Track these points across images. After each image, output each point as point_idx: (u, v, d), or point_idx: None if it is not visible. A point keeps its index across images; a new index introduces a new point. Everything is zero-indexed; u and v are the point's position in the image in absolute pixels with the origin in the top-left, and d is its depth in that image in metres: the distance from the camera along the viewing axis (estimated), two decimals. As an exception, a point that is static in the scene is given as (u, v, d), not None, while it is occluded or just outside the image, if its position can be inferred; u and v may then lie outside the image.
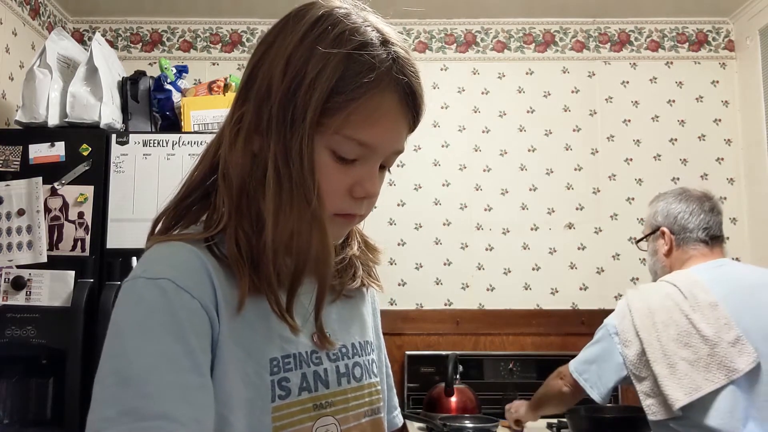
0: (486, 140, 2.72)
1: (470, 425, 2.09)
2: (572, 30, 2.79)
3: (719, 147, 2.69)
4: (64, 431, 1.70)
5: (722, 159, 2.69)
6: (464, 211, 2.68)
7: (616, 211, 2.67)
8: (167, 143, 1.89)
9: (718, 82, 2.73)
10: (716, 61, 2.75)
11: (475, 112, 2.74)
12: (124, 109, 2.03)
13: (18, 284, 1.77)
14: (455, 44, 2.78)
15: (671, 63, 2.75)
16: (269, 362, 0.66)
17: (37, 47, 2.40)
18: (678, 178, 2.66)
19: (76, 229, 1.82)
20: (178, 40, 2.77)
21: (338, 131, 0.64)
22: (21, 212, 1.82)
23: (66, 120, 1.92)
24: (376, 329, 0.85)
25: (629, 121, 2.72)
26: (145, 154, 1.88)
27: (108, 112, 1.93)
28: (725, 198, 2.62)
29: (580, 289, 2.63)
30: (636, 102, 2.73)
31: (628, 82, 2.75)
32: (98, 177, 1.85)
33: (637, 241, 1.87)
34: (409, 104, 0.67)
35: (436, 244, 2.66)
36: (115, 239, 1.83)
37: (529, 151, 2.71)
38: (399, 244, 2.65)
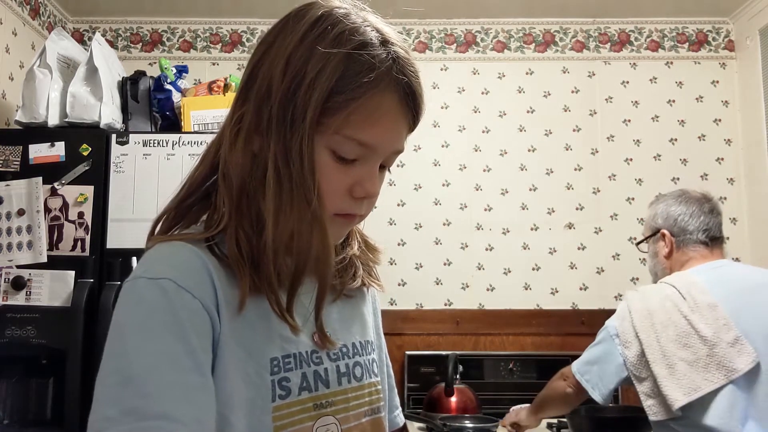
0: (486, 140, 2.72)
1: (470, 425, 2.09)
2: (572, 30, 2.79)
3: (719, 147, 2.69)
4: (64, 431, 1.70)
5: (722, 159, 2.69)
6: (464, 211, 2.68)
7: (616, 211, 2.67)
8: (167, 143, 1.89)
9: (718, 82, 2.73)
10: (716, 61, 2.75)
11: (475, 112, 2.74)
12: (124, 109, 2.03)
13: (18, 284, 1.77)
14: (455, 44, 2.78)
15: (671, 63, 2.75)
16: (270, 362, 0.66)
17: (37, 47, 2.40)
18: (678, 178, 2.66)
19: (76, 229, 1.82)
20: (178, 40, 2.77)
21: (338, 131, 0.64)
22: (21, 212, 1.82)
23: (66, 120, 1.92)
24: (377, 329, 0.85)
25: (629, 121, 2.72)
26: (145, 154, 1.88)
27: (108, 112, 1.93)
28: (725, 198, 2.62)
29: (580, 289, 2.63)
30: (636, 102, 2.73)
31: (628, 82, 2.75)
32: (98, 177, 1.85)
33: (638, 243, 1.87)
34: (409, 104, 0.67)
35: (436, 244, 2.66)
36: (115, 239, 1.83)
37: (529, 151, 2.71)
38: (399, 244, 2.65)
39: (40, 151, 1.85)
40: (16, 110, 1.94)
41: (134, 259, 1.79)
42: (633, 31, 2.78)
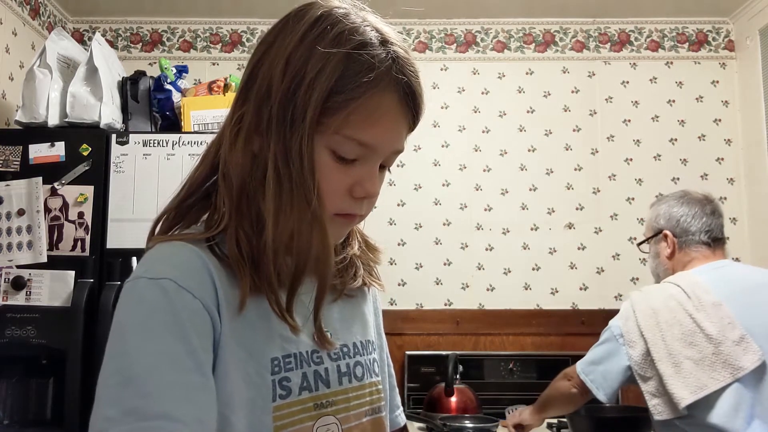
0: (486, 140, 2.72)
1: (470, 425, 2.09)
2: (572, 30, 2.79)
3: (719, 147, 2.69)
4: (64, 431, 1.70)
5: (722, 159, 2.69)
6: (464, 211, 2.68)
7: (616, 211, 2.67)
8: (167, 143, 1.89)
9: (718, 82, 2.73)
10: (716, 61, 2.75)
11: (475, 112, 2.74)
12: (124, 109, 2.03)
13: (18, 284, 1.77)
14: (455, 44, 2.78)
15: (671, 63, 2.75)
16: (270, 362, 0.66)
17: (37, 47, 2.40)
18: (678, 178, 2.66)
19: (76, 229, 1.82)
20: (178, 40, 2.77)
21: (338, 131, 0.64)
22: (21, 212, 1.82)
23: (66, 120, 1.92)
24: (378, 328, 0.85)
25: (629, 121, 2.72)
26: (145, 154, 1.88)
27: (108, 112, 1.93)
28: (725, 198, 2.62)
29: (580, 289, 2.63)
30: (636, 102, 2.73)
31: (628, 82, 2.75)
32: (98, 177, 1.85)
33: (639, 244, 1.88)
34: (409, 104, 0.67)
35: (436, 244, 2.66)
36: (115, 239, 1.83)
37: (529, 151, 2.71)
38: (399, 244, 2.65)
39: (40, 151, 1.85)
40: (16, 110, 1.93)
41: (134, 259, 1.79)
42: (633, 31, 2.78)
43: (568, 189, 2.69)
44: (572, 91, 2.74)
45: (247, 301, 0.65)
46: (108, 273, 1.80)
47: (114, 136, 1.89)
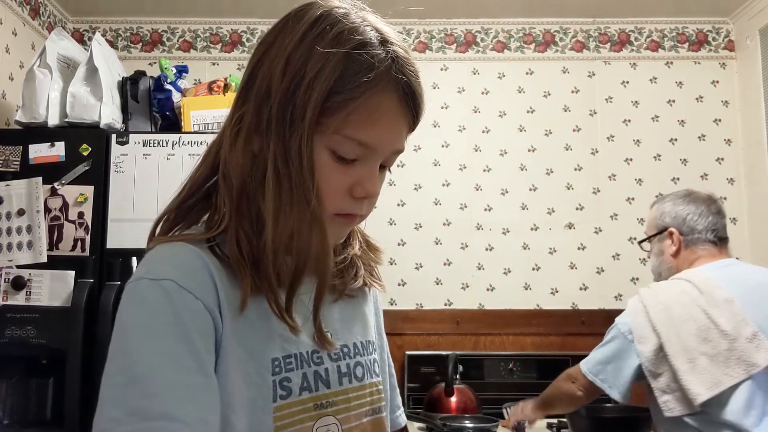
0: (486, 140, 2.72)
1: (470, 425, 2.09)
2: (572, 30, 2.79)
3: (719, 147, 2.69)
4: (64, 431, 1.70)
5: (722, 159, 2.69)
6: (464, 211, 2.68)
7: (616, 211, 2.67)
8: (167, 143, 1.89)
9: (718, 82, 2.73)
10: (716, 61, 2.75)
11: (475, 112, 2.74)
12: (124, 109, 2.03)
13: (18, 284, 1.77)
14: (455, 44, 2.78)
15: (671, 63, 2.75)
16: (271, 362, 0.66)
17: (37, 47, 2.40)
18: (678, 178, 2.66)
19: (76, 229, 1.82)
20: (178, 40, 2.77)
21: (338, 131, 0.64)
22: (21, 212, 1.82)
23: (66, 120, 1.92)
24: (378, 329, 0.85)
25: (629, 121, 2.72)
26: (145, 154, 1.88)
27: (108, 112, 1.93)
28: (725, 198, 2.62)
29: (580, 289, 2.63)
30: (636, 102, 2.73)
31: (628, 82, 2.75)
32: (98, 177, 1.85)
33: (641, 242, 1.87)
34: (409, 104, 0.67)
35: (436, 244, 2.66)
36: (115, 239, 1.83)
37: (529, 151, 2.71)
38: (399, 244, 2.65)
39: (40, 151, 1.85)
40: (16, 110, 1.93)
41: (134, 259, 1.79)
42: (633, 31, 2.78)
43: (568, 189, 2.69)
44: (572, 91, 2.74)
45: (248, 301, 0.65)
46: (108, 273, 1.80)
47: (114, 136, 1.89)
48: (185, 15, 2.74)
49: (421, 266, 2.65)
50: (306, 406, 0.68)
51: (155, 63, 2.67)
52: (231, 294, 0.65)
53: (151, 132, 2.02)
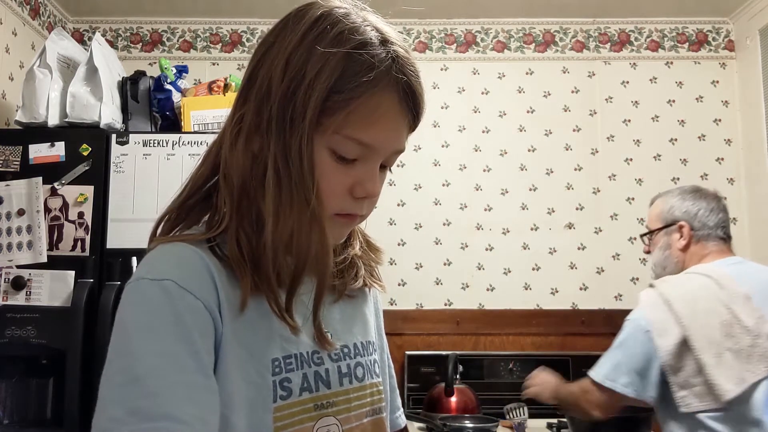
0: (486, 140, 2.72)
1: (470, 425, 2.09)
2: (572, 30, 2.79)
3: (719, 147, 2.69)
4: (64, 431, 1.70)
5: (722, 159, 2.69)
6: (464, 211, 2.68)
7: (616, 211, 2.67)
8: (167, 143, 1.89)
9: (718, 82, 2.73)
10: (716, 61, 2.75)
11: (475, 112, 2.74)
12: (124, 109, 2.03)
13: (18, 284, 1.77)
14: (455, 44, 2.78)
15: (671, 63, 2.75)
16: (271, 362, 0.66)
17: (37, 47, 2.40)
18: (678, 178, 2.66)
19: (76, 229, 1.82)
20: (178, 40, 2.77)
21: (338, 131, 0.64)
22: (21, 212, 1.82)
23: (66, 120, 1.92)
24: (378, 329, 0.85)
25: (629, 121, 2.72)
26: (145, 154, 1.88)
27: (108, 112, 1.93)
28: (725, 198, 2.61)
29: (580, 289, 2.63)
30: (636, 102, 2.73)
31: (628, 82, 2.75)
32: (98, 177, 1.85)
33: (643, 235, 1.83)
34: (409, 103, 0.67)
35: (436, 244, 2.66)
36: (115, 239, 1.83)
37: (529, 151, 2.71)
38: (399, 244, 2.65)
39: (40, 151, 1.85)
40: (16, 110, 1.94)
41: (134, 259, 1.79)
42: (633, 31, 2.78)
43: (568, 189, 2.69)
44: (572, 91, 2.74)
45: (248, 301, 0.65)
46: (108, 273, 1.80)
47: (114, 136, 1.89)
48: (185, 15, 2.74)
49: (421, 266, 2.65)
50: (306, 406, 0.68)
51: (155, 63, 2.67)
52: (231, 294, 0.65)
53: (151, 132, 2.02)
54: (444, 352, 2.44)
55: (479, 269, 2.65)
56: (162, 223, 0.71)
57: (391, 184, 2.64)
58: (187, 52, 2.76)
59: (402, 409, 0.90)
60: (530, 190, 2.69)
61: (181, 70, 2.21)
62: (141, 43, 2.76)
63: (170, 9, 2.71)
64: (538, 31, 2.79)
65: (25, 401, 1.79)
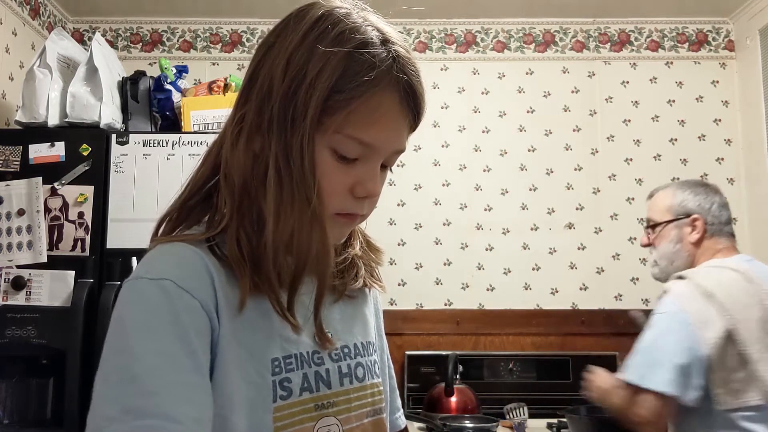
0: (486, 140, 2.72)
1: (470, 425, 2.09)
2: (572, 30, 2.79)
3: (719, 147, 2.69)
4: (64, 431, 1.70)
5: (722, 159, 2.69)
6: (464, 211, 2.68)
7: (616, 211, 2.67)
8: (167, 143, 1.89)
9: (718, 82, 2.73)
10: (716, 61, 2.75)
11: (475, 112, 2.74)
12: (124, 109, 2.03)
13: (18, 284, 1.77)
14: (455, 44, 2.78)
15: (671, 63, 2.76)
16: (271, 362, 0.66)
17: (37, 47, 2.40)
18: (678, 178, 2.65)
19: (76, 229, 1.82)
20: (178, 40, 2.77)
21: (339, 130, 0.64)
22: (21, 212, 1.82)
23: (66, 120, 1.92)
24: (378, 330, 0.85)
25: (629, 121, 2.72)
26: (145, 154, 1.88)
27: (108, 112, 1.93)
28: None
29: (580, 289, 2.63)
30: (636, 102, 2.73)
31: (628, 82, 2.75)
32: (98, 177, 1.85)
33: (650, 226, 1.75)
34: (410, 103, 0.67)
35: (436, 244, 2.66)
36: (115, 239, 1.83)
37: (529, 151, 2.71)
38: (399, 244, 2.65)
39: (40, 151, 1.85)
40: (16, 110, 1.93)
41: (134, 259, 1.79)
42: (633, 31, 2.78)
43: (568, 189, 2.69)
44: (572, 91, 2.74)
45: (248, 301, 0.65)
46: (108, 273, 1.80)
47: (114, 136, 1.89)
48: (185, 15, 2.74)
49: (421, 266, 2.65)
50: (306, 406, 0.68)
51: (155, 63, 2.67)
52: (230, 294, 0.65)
53: (151, 132, 2.02)
54: (444, 352, 2.44)
55: (479, 269, 2.65)
56: (163, 224, 0.71)
57: (391, 184, 2.64)
58: (187, 52, 2.76)
59: (402, 410, 0.90)
60: (530, 190, 2.69)
61: (181, 70, 2.21)
62: (141, 43, 2.76)
63: (170, 9, 2.71)
64: (538, 31, 2.79)
65: (25, 401, 1.79)
